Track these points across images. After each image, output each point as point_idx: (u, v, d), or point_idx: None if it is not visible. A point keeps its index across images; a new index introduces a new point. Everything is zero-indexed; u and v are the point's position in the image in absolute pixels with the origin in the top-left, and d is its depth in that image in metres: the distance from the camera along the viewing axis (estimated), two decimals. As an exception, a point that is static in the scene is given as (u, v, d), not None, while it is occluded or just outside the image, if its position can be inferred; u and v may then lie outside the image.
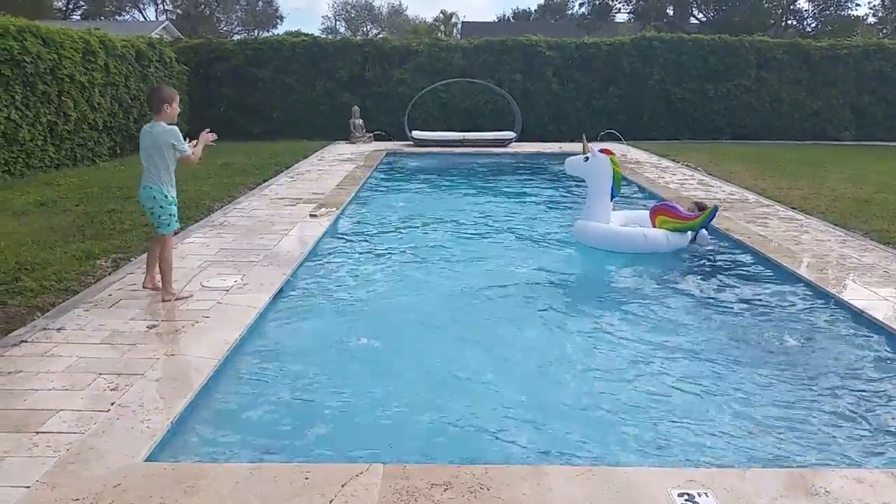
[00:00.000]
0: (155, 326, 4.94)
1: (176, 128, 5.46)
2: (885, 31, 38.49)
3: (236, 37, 47.00)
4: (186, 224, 8.28)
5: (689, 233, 7.66)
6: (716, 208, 7.55)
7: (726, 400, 4.28)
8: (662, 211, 7.67)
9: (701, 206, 8.03)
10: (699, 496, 2.98)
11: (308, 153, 16.05)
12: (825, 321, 5.57)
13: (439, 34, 49.34)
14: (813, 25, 35.50)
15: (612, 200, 7.70)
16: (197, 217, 8.70)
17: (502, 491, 3.01)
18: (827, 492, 3.04)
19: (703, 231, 7.82)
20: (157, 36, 21.68)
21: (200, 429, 3.80)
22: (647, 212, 7.91)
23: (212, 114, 20.14)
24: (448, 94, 20.10)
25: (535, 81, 20.31)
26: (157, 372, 4.19)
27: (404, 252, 7.68)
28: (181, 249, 7.12)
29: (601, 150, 7.60)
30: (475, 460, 3.40)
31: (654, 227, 7.62)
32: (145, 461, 3.28)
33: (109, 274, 6.31)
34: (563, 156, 16.15)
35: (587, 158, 7.60)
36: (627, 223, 7.92)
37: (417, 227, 8.89)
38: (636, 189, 11.60)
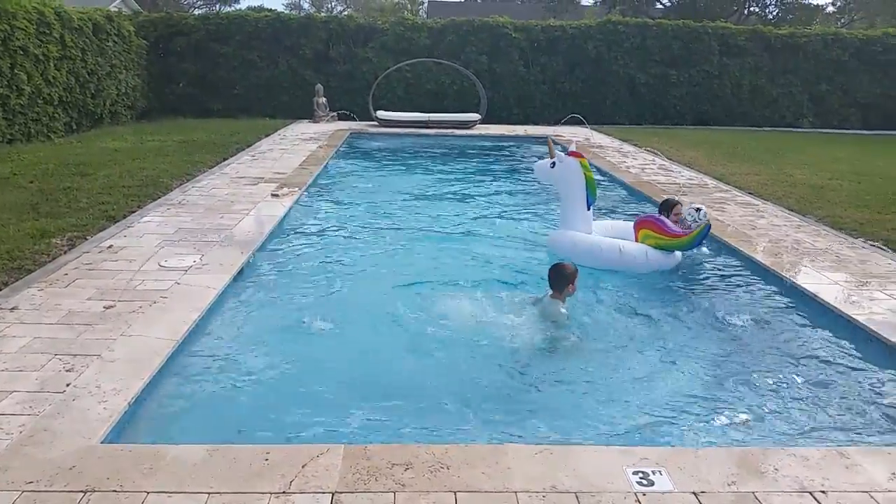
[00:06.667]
0: (112, 306, 4.86)
1: None
2: (842, 20, 39.21)
3: (197, 11, 45.95)
4: (143, 202, 8.14)
5: (677, 253, 6.56)
6: (708, 226, 6.33)
7: (677, 380, 4.38)
8: (646, 224, 6.59)
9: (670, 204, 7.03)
10: (653, 474, 3.06)
11: (270, 131, 15.84)
12: (778, 304, 5.72)
13: (405, 13, 48.88)
14: (774, 13, 36.05)
15: (588, 209, 6.70)
16: (155, 195, 8.53)
17: (462, 470, 3.05)
18: (776, 469, 3.14)
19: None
20: (116, 9, 21.02)
21: (159, 410, 3.77)
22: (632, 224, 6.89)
23: (171, 89, 19.77)
24: (413, 74, 19.95)
25: (501, 63, 20.27)
26: (115, 353, 4.13)
27: (367, 233, 7.65)
28: (138, 228, 7.00)
29: (570, 153, 6.71)
30: (436, 440, 3.43)
31: (637, 241, 6.59)
32: (102, 443, 3.24)
33: (65, 253, 6.17)
34: (528, 139, 16.45)
35: (554, 164, 6.74)
36: (611, 234, 6.86)
37: (380, 208, 8.85)
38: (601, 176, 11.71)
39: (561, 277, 5.14)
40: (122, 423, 3.47)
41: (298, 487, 2.91)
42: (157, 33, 19.42)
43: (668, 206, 6.88)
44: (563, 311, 5.10)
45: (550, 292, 5.19)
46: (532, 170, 7.36)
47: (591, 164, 6.70)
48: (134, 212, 7.72)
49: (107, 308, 4.83)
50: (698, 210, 6.55)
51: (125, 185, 8.96)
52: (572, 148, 6.95)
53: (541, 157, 7.34)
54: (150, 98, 19.10)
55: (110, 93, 16.17)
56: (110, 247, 6.32)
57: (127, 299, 5.01)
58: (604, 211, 8.52)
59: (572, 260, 6.02)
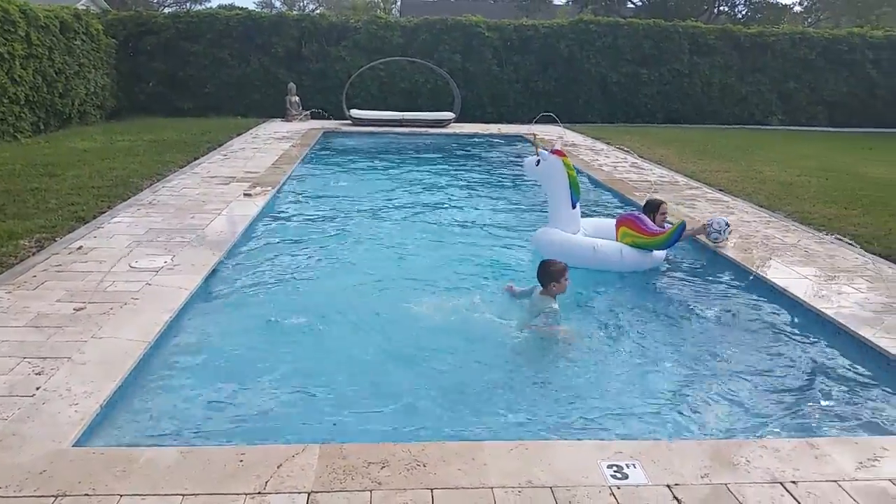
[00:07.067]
0: (82, 308, 4.79)
1: None
2: (809, 20, 39.89)
3: (167, 9, 45.36)
4: (113, 203, 8.03)
5: (657, 252, 6.57)
6: (682, 224, 6.36)
7: (650, 374, 4.43)
8: (625, 222, 6.59)
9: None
10: (627, 467, 3.09)
11: (242, 130, 15.68)
12: (749, 299, 5.80)
13: (378, 11, 48.69)
14: (743, 13, 36.55)
15: (574, 207, 6.66)
16: (124, 196, 8.41)
17: (438, 468, 3.05)
18: (748, 461, 3.19)
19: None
20: (84, 7, 20.70)
21: (131, 412, 3.72)
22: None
23: (141, 88, 19.51)
24: (387, 72, 19.89)
25: (475, 62, 20.29)
26: (85, 355, 4.07)
27: (339, 233, 7.62)
28: (108, 229, 6.90)
29: (553, 152, 6.66)
30: (412, 438, 3.44)
31: (617, 238, 6.61)
32: (73, 446, 3.19)
33: (33, 254, 6.06)
34: (502, 137, 16.50)
35: (538, 162, 6.72)
36: (599, 233, 6.85)
37: (353, 208, 8.82)
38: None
39: (545, 274, 5.16)
40: (94, 426, 3.42)
41: (274, 488, 2.89)
42: (127, 32, 19.14)
43: (653, 206, 6.92)
44: (554, 306, 5.10)
45: (540, 288, 5.22)
46: (522, 166, 7.34)
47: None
48: (104, 212, 7.61)
49: (77, 310, 4.76)
50: (727, 225, 6.68)
51: (95, 185, 8.83)
52: (556, 146, 6.97)
53: (523, 157, 7.33)
54: (120, 97, 18.82)
55: (79, 92, 15.90)
56: (80, 248, 6.22)
57: (97, 301, 4.94)
58: (588, 205, 8.57)
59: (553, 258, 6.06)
